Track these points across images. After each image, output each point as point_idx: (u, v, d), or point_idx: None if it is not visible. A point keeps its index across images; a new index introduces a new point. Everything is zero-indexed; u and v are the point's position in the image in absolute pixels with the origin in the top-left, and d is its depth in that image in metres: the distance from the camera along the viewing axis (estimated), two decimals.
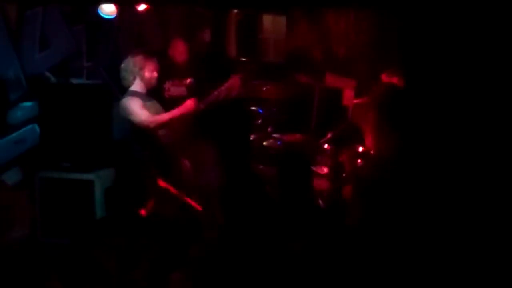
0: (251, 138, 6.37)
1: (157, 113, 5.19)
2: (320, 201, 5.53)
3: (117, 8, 6.05)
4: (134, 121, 5.07)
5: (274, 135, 6.32)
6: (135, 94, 5.16)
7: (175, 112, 5.14)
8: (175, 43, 6.06)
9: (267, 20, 7.31)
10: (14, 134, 5.96)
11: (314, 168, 5.73)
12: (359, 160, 5.34)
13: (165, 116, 5.14)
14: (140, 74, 5.19)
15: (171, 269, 4.63)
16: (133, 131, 5.15)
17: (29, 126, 6.02)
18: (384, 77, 5.46)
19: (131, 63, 5.20)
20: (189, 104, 5.14)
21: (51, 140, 5.83)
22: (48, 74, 6.12)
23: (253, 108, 6.52)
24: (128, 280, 4.45)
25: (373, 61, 6.44)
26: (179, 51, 6.01)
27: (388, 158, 4.16)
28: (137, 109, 5.06)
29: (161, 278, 4.55)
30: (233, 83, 5.48)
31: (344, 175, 5.44)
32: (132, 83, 5.22)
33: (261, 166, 6.17)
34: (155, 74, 5.25)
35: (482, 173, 4.09)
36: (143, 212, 5.11)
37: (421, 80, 4.61)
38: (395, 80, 5.35)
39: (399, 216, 3.86)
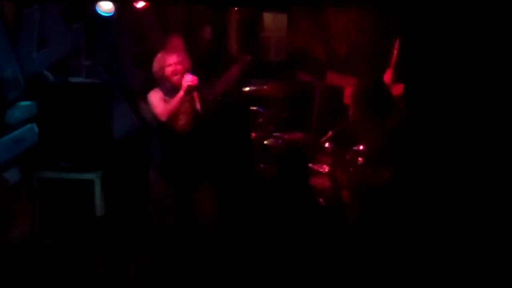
0: (252, 137, 6.33)
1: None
2: (320, 200, 5.51)
3: (115, 6, 6.01)
4: (154, 114, 4.81)
5: (275, 134, 6.28)
6: (158, 87, 4.90)
7: (180, 93, 4.88)
8: (170, 39, 5.93)
9: (268, 18, 7.27)
10: (12, 134, 5.95)
11: (314, 167, 5.71)
12: (359, 159, 5.30)
13: (172, 103, 4.83)
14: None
15: (161, 272, 4.58)
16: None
17: (28, 126, 6.00)
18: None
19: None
20: (190, 79, 4.87)
21: (50, 139, 5.82)
22: (46, 73, 6.10)
23: (254, 107, 6.49)
24: (118, 282, 4.42)
25: (375, 59, 6.39)
26: (174, 46, 5.87)
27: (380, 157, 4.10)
28: (155, 101, 4.79)
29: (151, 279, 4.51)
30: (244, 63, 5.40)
31: (344, 173, 5.41)
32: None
33: (262, 165, 6.14)
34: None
35: (484, 175, 4.05)
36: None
37: (422, 81, 4.57)
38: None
39: (398, 216, 3.82)
